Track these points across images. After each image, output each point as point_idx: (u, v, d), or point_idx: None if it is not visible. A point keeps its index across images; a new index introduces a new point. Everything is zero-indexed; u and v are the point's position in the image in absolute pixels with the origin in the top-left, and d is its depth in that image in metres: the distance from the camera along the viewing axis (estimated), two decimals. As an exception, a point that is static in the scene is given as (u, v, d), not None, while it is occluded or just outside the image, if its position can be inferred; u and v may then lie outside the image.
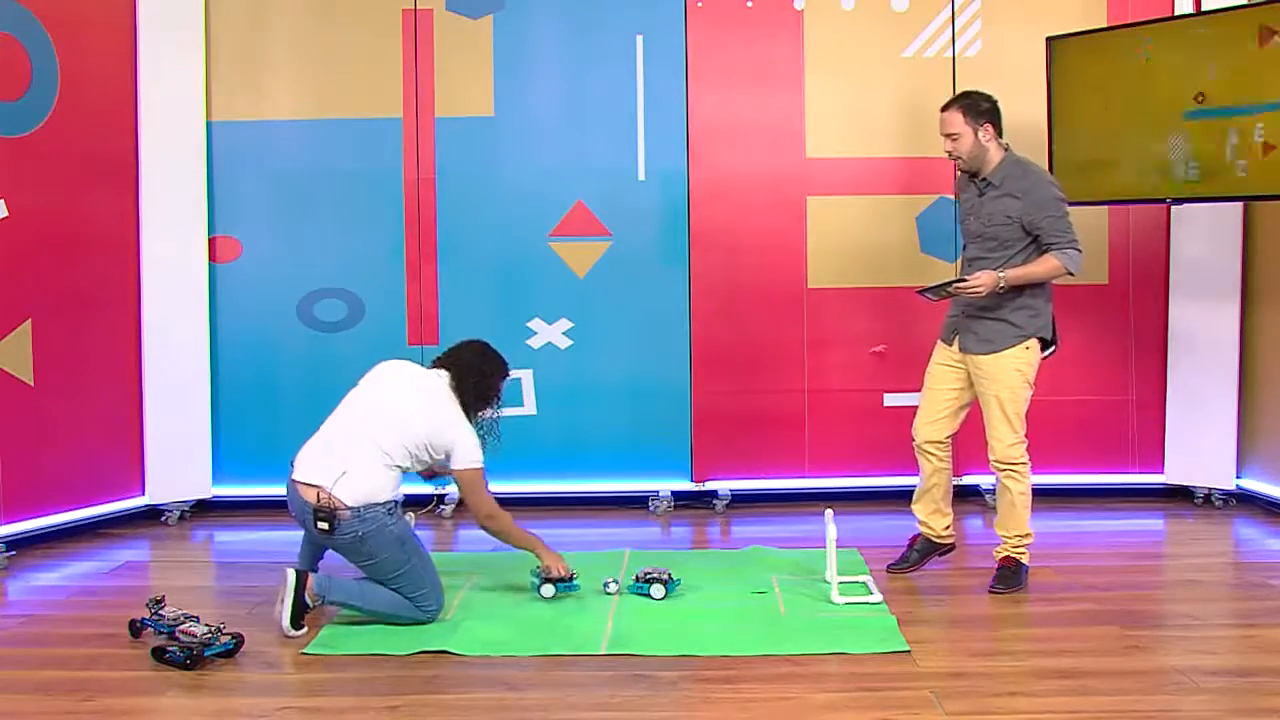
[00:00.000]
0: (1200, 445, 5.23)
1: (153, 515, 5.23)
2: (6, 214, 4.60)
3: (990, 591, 3.93)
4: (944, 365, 4.10)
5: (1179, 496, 5.34)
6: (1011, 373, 3.91)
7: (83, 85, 4.88)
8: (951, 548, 4.25)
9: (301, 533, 3.86)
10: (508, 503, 5.39)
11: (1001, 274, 3.84)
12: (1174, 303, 5.27)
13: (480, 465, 3.77)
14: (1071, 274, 3.88)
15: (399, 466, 3.71)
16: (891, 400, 5.33)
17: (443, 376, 3.85)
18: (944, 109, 4.00)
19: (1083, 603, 3.87)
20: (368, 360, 4.00)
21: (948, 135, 3.97)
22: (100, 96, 4.98)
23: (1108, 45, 4.79)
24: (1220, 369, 5.16)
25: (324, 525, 3.59)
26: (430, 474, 4.00)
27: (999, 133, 3.97)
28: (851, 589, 3.92)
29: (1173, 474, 5.33)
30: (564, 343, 5.39)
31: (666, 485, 5.39)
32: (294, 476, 3.70)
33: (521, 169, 5.35)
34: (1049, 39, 4.93)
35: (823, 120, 5.33)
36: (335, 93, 5.34)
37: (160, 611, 3.58)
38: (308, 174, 5.35)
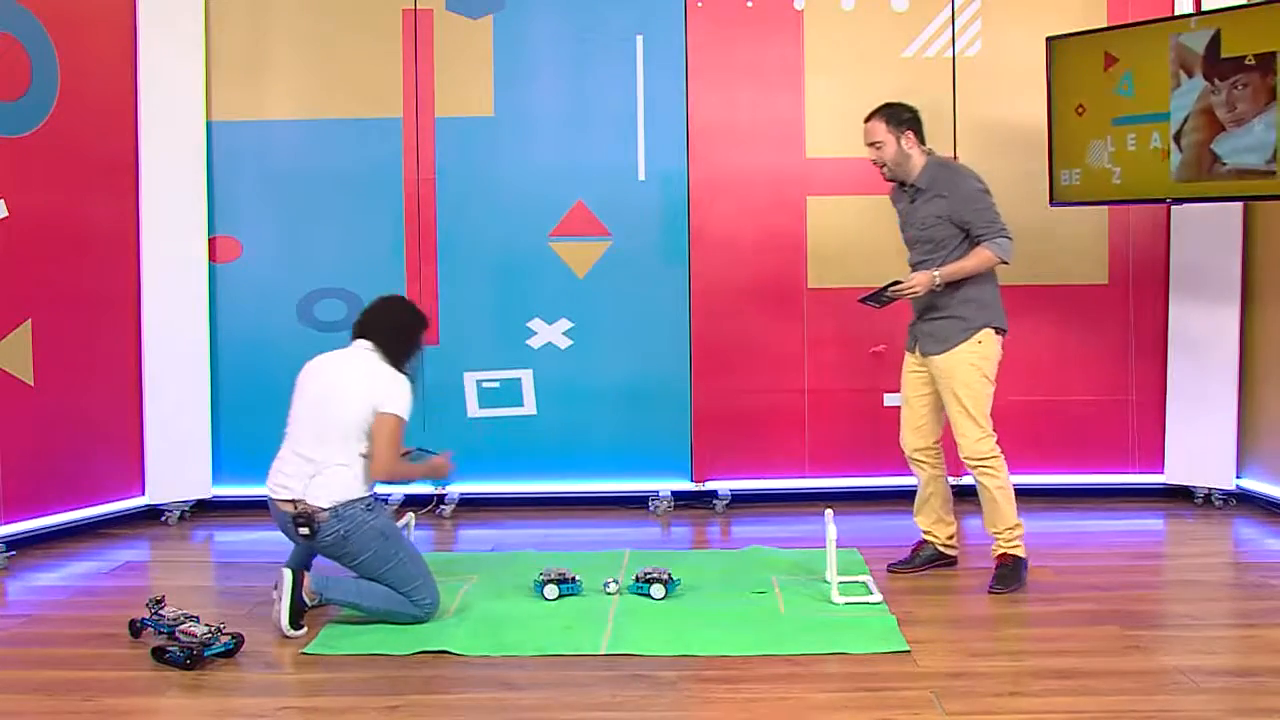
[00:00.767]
0: (1200, 445, 5.23)
1: (153, 515, 5.23)
2: (6, 214, 4.60)
3: (990, 592, 3.93)
4: (913, 373, 4.17)
5: (1179, 496, 5.34)
6: (966, 368, 3.96)
7: (83, 85, 4.89)
8: (953, 561, 4.26)
9: None
10: (508, 503, 5.44)
11: (936, 272, 3.91)
12: (1174, 303, 5.27)
13: (404, 416, 3.71)
14: (1005, 262, 3.95)
15: (363, 455, 3.69)
16: (891, 400, 5.31)
17: (364, 345, 3.79)
18: (866, 120, 4.10)
19: (1083, 603, 3.87)
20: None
21: (871, 144, 4.08)
22: (100, 96, 4.98)
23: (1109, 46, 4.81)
24: (1220, 369, 5.16)
25: (305, 530, 3.63)
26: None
27: (920, 139, 4.06)
28: (851, 589, 3.92)
29: (1173, 474, 5.33)
30: (564, 343, 5.39)
31: (666, 485, 5.39)
32: (269, 494, 3.74)
33: (521, 169, 5.35)
34: (1049, 39, 4.93)
35: (823, 120, 5.33)
36: (335, 93, 5.34)
37: (160, 611, 3.58)
38: (308, 174, 5.35)
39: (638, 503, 5.39)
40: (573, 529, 5.06)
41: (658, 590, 3.90)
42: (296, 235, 5.36)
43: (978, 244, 3.93)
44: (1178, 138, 4.50)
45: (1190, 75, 4.34)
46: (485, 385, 5.39)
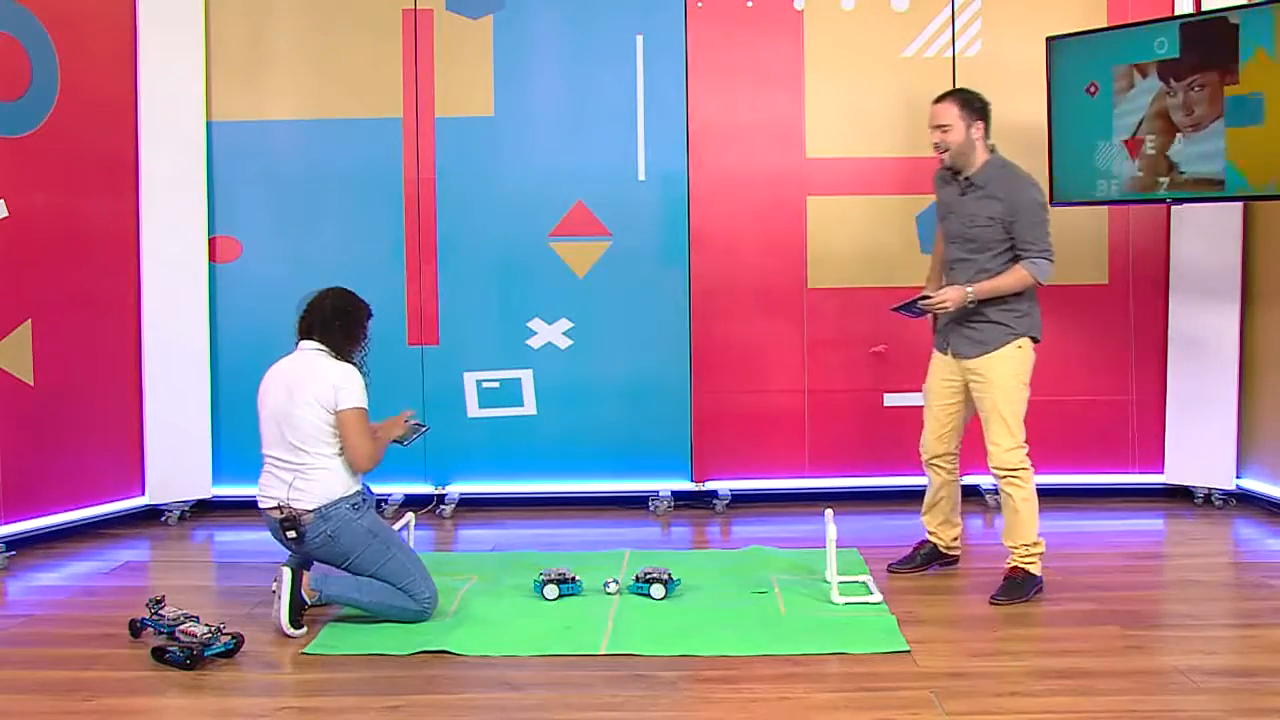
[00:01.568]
0: (1200, 445, 5.23)
1: (153, 515, 5.23)
2: (6, 214, 4.60)
3: (991, 601, 3.86)
4: (942, 380, 4.08)
5: (1179, 496, 5.34)
6: (1006, 374, 3.89)
7: (83, 85, 4.88)
8: (956, 560, 4.25)
9: None
10: (508, 503, 5.44)
11: (969, 288, 3.85)
12: (1174, 303, 5.27)
13: (362, 406, 3.70)
14: (1040, 283, 3.87)
15: (338, 454, 3.69)
16: (891, 400, 5.34)
17: (309, 346, 3.78)
18: (938, 100, 4.00)
19: (1083, 603, 3.87)
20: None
21: (939, 126, 3.95)
22: (100, 96, 4.98)
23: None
24: (1220, 369, 5.16)
25: (292, 534, 3.65)
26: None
27: (988, 134, 3.97)
28: (851, 589, 3.92)
29: (1173, 474, 5.33)
30: (564, 343, 5.39)
31: (666, 485, 5.39)
32: (259, 505, 3.76)
33: (521, 169, 5.35)
34: (1049, 39, 4.93)
35: (823, 120, 5.33)
36: (335, 93, 5.34)
37: (160, 611, 3.58)
38: (308, 174, 5.35)
39: (638, 503, 5.38)
40: (573, 529, 5.06)
41: (658, 590, 3.90)
42: (296, 235, 5.36)
43: (1017, 258, 3.85)
44: (1130, 143, 4.36)
45: (1145, 76, 4.20)
46: (485, 385, 5.39)
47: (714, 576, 4.17)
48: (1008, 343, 3.90)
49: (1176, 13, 5.07)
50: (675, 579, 3.96)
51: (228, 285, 5.36)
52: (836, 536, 3.89)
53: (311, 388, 3.66)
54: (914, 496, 5.36)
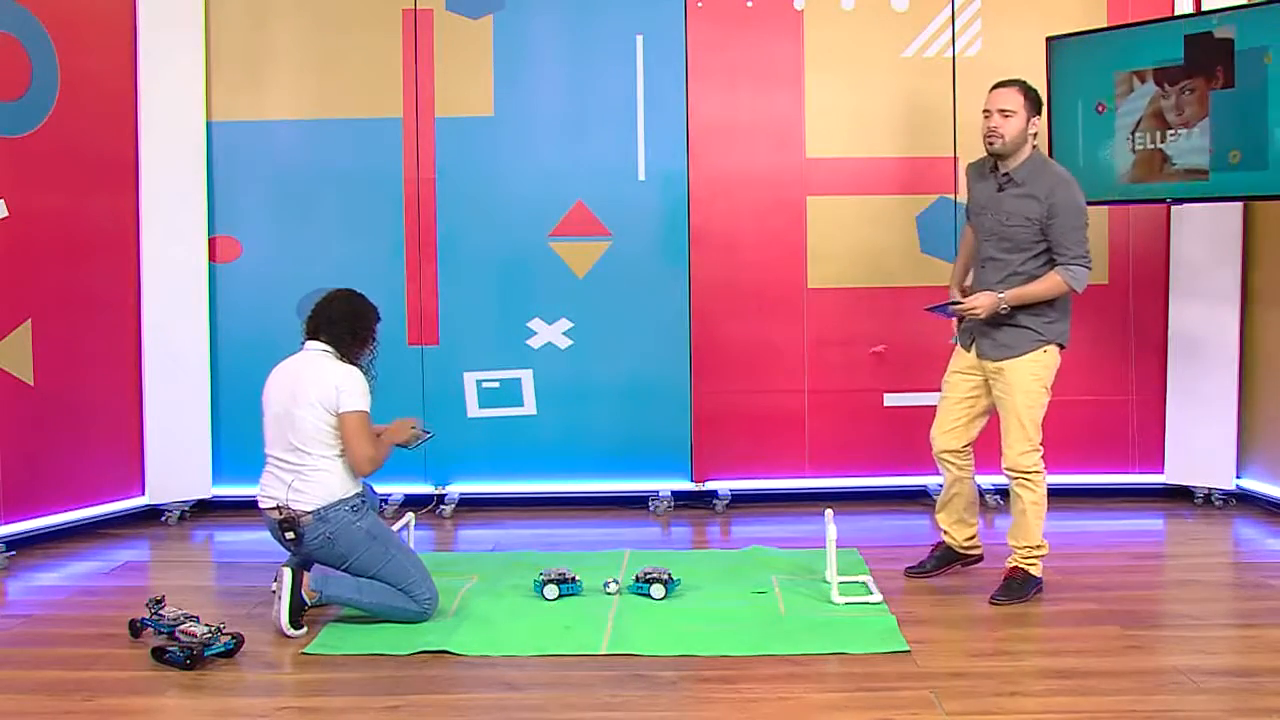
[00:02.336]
0: (1200, 445, 5.23)
1: (153, 515, 5.23)
2: (6, 214, 4.60)
3: (991, 601, 3.86)
4: (960, 373, 4.03)
5: (1179, 496, 5.34)
6: (1029, 378, 3.84)
7: (83, 85, 4.88)
8: (978, 559, 4.18)
9: None
10: (508, 503, 5.44)
11: (1002, 296, 3.78)
12: (1174, 303, 5.27)
13: (364, 409, 3.69)
14: (1076, 292, 3.79)
15: (339, 455, 3.70)
16: (891, 400, 5.33)
17: (316, 347, 3.77)
18: (1002, 85, 3.85)
19: (1083, 603, 3.87)
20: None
21: (1001, 110, 3.78)
22: (100, 96, 4.98)
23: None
24: (1220, 369, 5.16)
25: (290, 535, 3.65)
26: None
27: (1037, 133, 3.88)
28: (851, 589, 3.92)
29: (1173, 474, 5.33)
30: (564, 343, 5.39)
31: (666, 485, 5.39)
32: (259, 505, 3.76)
33: (521, 169, 5.35)
34: (1049, 39, 4.93)
35: (823, 120, 5.33)
36: (335, 93, 5.34)
37: (160, 611, 3.58)
38: (308, 174, 5.35)
39: (638, 503, 5.38)
40: (573, 529, 5.06)
41: (658, 590, 3.90)
42: (296, 235, 5.36)
43: (1053, 263, 3.78)
44: (1130, 139, 4.63)
45: (1143, 81, 4.53)
46: (485, 385, 5.39)
47: (714, 576, 4.17)
48: (1034, 349, 3.84)
49: (1176, 13, 5.08)
50: (675, 579, 3.96)
51: (228, 285, 5.36)
52: (836, 536, 3.89)
53: (314, 389, 3.66)
54: (914, 496, 5.40)
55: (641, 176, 5.36)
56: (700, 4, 5.31)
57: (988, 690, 3.11)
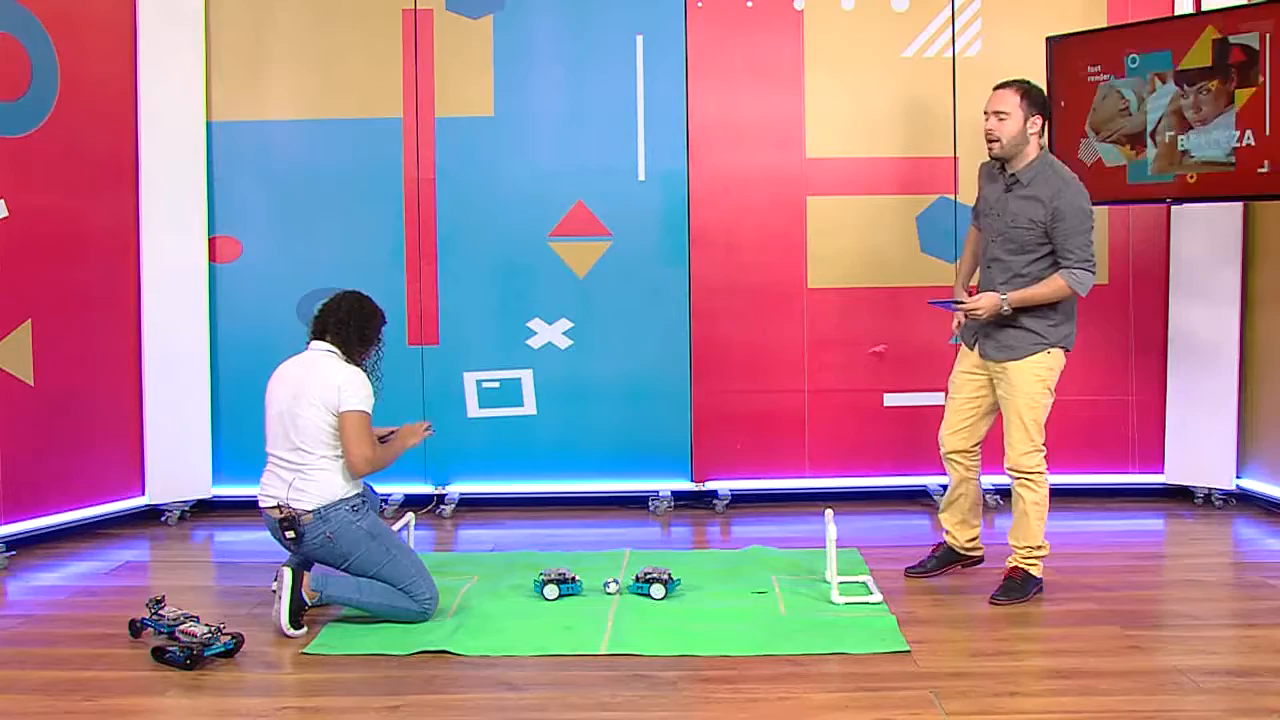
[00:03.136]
0: (1200, 445, 5.23)
1: (153, 515, 5.23)
2: (6, 214, 4.60)
3: (991, 601, 3.87)
4: (966, 373, 4.02)
5: (1179, 496, 5.34)
6: (1031, 379, 3.83)
7: (83, 85, 4.88)
8: (979, 560, 4.18)
9: None
10: (508, 503, 5.44)
11: (1004, 297, 3.78)
12: (1174, 303, 5.27)
13: (366, 410, 3.69)
14: (1080, 295, 3.78)
15: (339, 456, 3.69)
16: (891, 400, 5.33)
17: (321, 347, 3.77)
18: (1000, 86, 3.85)
19: (1083, 603, 3.87)
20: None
21: (995, 113, 3.79)
22: (100, 96, 4.98)
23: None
24: (1220, 369, 5.16)
25: (290, 534, 3.65)
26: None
27: (1043, 132, 3.86)
28: (851, 589, 3.92)
29: (1173, 474, 5.33)
30: (564, 343, 5.39)
31: (666, 485, 5.39)
32: (259, 504, 3.76)
33: (521, 169, 5.35)
34: (1049, 39, 4.93)
35: (823, 120, 5.33)
36: (335, 93, 5.34)
37: (160, 611, 3.58)
38: (308, 174, 5.35)
39: (638, 503, 5.39)
40: (573, 529, 5.06)
41: (658, 590, 3.90)
42: (296, 235, 5.36)
43: (1056, 266, 3.77)
44: (1153, 135, 4.70)
45: (1164, 82, 4.66)
46: (485, 385, 5.39)
47: (714, 576, 4.17)
48: (1037, 351, 3.83)
49: (1176, 13, 5.09)
50: (675, 579, 3.96)
51: (228, 285, 5.36)
52: (836, 536, 3.89)
53: (316, 388, 3.66)
54: (914, 496, 5.40)
55: (641, 176, 5.36)
56: (700, 4, 5.31)
57: (988, 690, 3.11)
